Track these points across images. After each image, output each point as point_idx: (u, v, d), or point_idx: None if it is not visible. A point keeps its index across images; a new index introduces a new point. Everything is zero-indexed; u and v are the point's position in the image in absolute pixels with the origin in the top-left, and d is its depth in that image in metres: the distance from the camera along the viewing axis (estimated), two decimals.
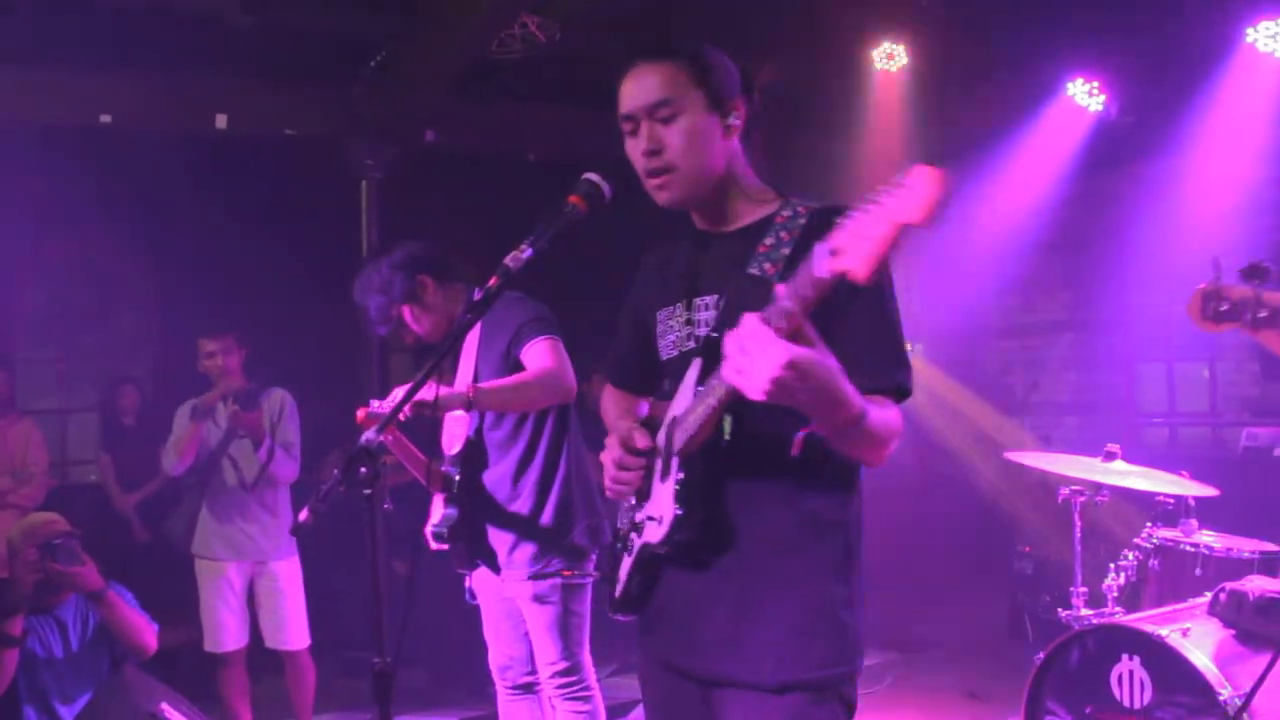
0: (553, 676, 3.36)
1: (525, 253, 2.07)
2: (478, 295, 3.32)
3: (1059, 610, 4.06)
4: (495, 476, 3.38)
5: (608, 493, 2.08)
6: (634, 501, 2.08)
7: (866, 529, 2.02)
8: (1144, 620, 3.50)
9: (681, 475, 1.91)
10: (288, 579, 4.71)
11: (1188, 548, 3.88)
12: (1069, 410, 7.93)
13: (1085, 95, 6.63)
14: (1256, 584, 3.40)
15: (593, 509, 3.43)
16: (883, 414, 1.77)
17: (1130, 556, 4.03)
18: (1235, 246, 5.98)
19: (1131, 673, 3.38)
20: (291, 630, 4.70)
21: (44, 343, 7.41)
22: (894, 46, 6.65)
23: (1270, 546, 3.77)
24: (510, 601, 3.42)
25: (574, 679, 3.35)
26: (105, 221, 6.63)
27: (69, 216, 6.45)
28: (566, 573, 3.30)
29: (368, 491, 2.01)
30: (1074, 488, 4.06)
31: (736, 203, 2.06)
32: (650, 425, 2.03)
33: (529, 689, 3.52)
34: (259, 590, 4.70)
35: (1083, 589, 3.96)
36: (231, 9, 5.63)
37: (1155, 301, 6.92)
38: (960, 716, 5.42)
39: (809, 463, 1.88)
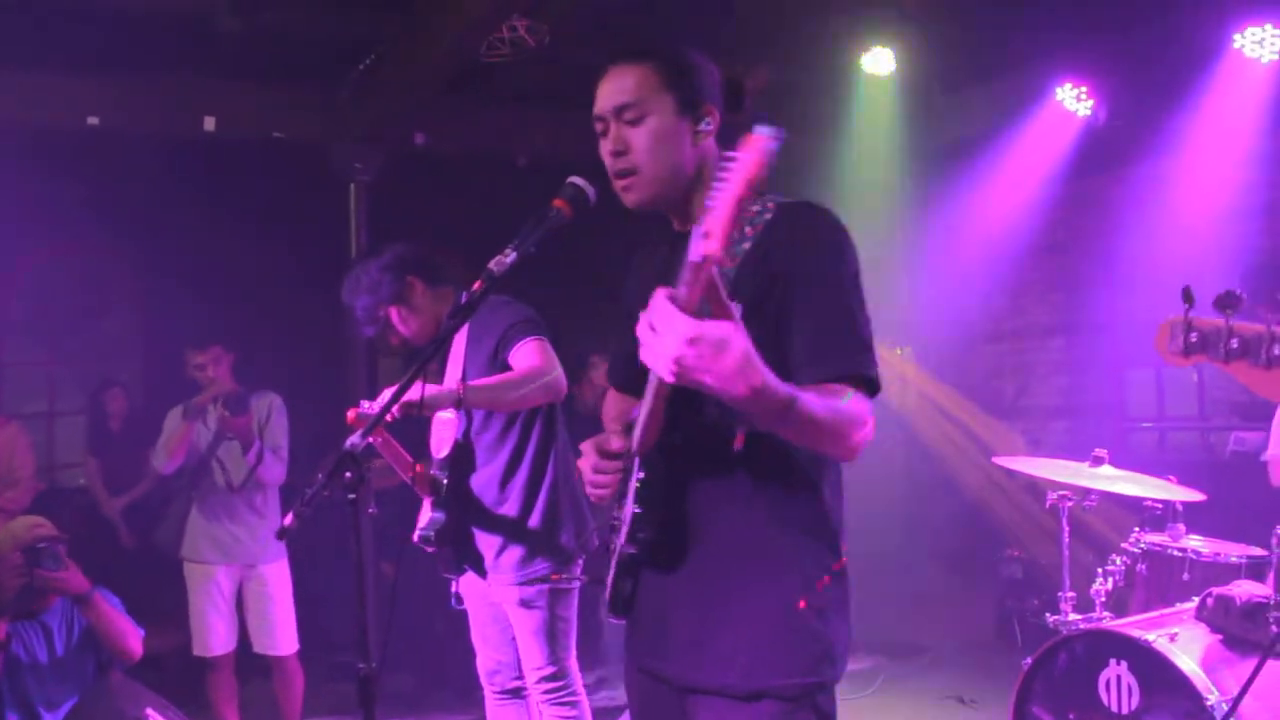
0: (539, 681, 3.35)
1: (509, 257, 2.06)
2: (465, 299, 3.31)
3: (1047, 615, 4.05)
4: (483, 480, 3.37)
5: (589, 496, 2.07)
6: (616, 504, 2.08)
7: (854, 532, 1.98)
8: (1131, 625, 3.51)
9: (642, 474, 1.90)
10: (276, 583, 4.70)
11: (1175, 552, 3.88)
12: (1058, 414, 7.93)
13: (1074, 100, 6.65)
14: (1244, 589, 3.40)
15: (579, 513, 3.43)
16: (829, 402, 1.69)
17: (1118, 561, 4.03)
18: (1223, 251, 6.04)
19: (1119, 678, 3.38)
20: (280, 635, 4.69)
21: (31, 346, 7.39)
22: (883, 51, 6.68)
23: (1257, 551, 3.76)
24: (497, 606, 3.41)
25: (560, 684, 3.34)
26: (92, 224, 6.60)
27: (56, 219, 6.42)
28: (554, 577, 3.30)
29: (352, 496, 2.00)
30: (1062, 492, 4.06)
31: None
32: (632, 427, 2.03)
33: (517, 694, 3.51)
34: (247, 594, 4.69)
35: (1070, 594, 3.96)
36: (219, 12, 5.62)
37: (1144, 305, 6.90)
38: None
39: (763, 459, 1.85)
